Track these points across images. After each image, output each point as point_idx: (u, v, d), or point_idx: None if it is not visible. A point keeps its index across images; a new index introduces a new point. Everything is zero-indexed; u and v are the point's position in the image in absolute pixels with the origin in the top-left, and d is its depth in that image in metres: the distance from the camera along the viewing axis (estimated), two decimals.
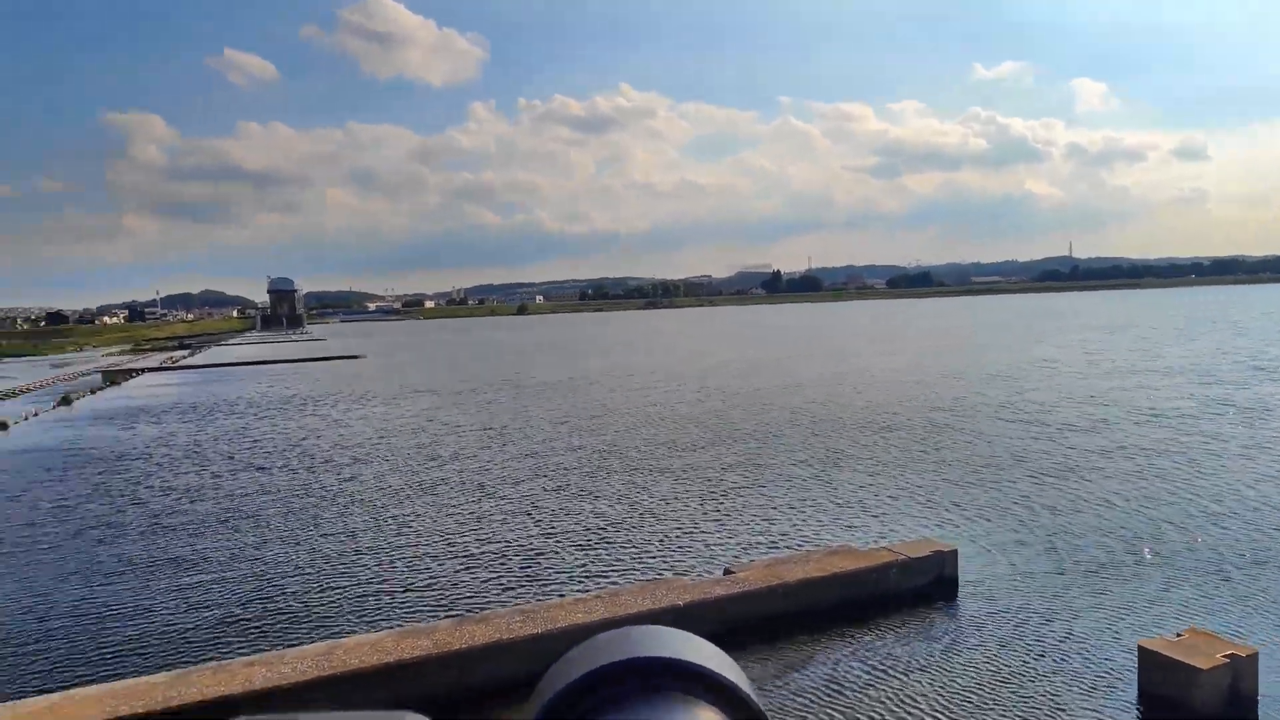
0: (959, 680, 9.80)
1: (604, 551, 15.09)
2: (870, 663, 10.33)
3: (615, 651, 0.63)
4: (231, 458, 26.40)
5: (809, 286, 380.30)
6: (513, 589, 13.37)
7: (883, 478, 19.81)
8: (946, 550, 12.77)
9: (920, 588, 12.31)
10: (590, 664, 0.62)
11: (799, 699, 9.54)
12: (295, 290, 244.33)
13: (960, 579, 12.60)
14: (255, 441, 29.58)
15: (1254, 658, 8.90)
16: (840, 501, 17.84)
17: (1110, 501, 16.97)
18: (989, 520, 16.03)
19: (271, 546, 16.17)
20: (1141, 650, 9.22)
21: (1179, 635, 9.44)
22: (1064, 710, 9.03)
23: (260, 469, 24.26)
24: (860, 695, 9.52)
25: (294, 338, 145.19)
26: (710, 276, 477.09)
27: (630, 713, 0.60)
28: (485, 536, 16.30)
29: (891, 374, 42.95)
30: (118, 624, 12.50)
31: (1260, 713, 8.72)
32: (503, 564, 14.61)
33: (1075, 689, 9.45)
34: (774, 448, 24.13)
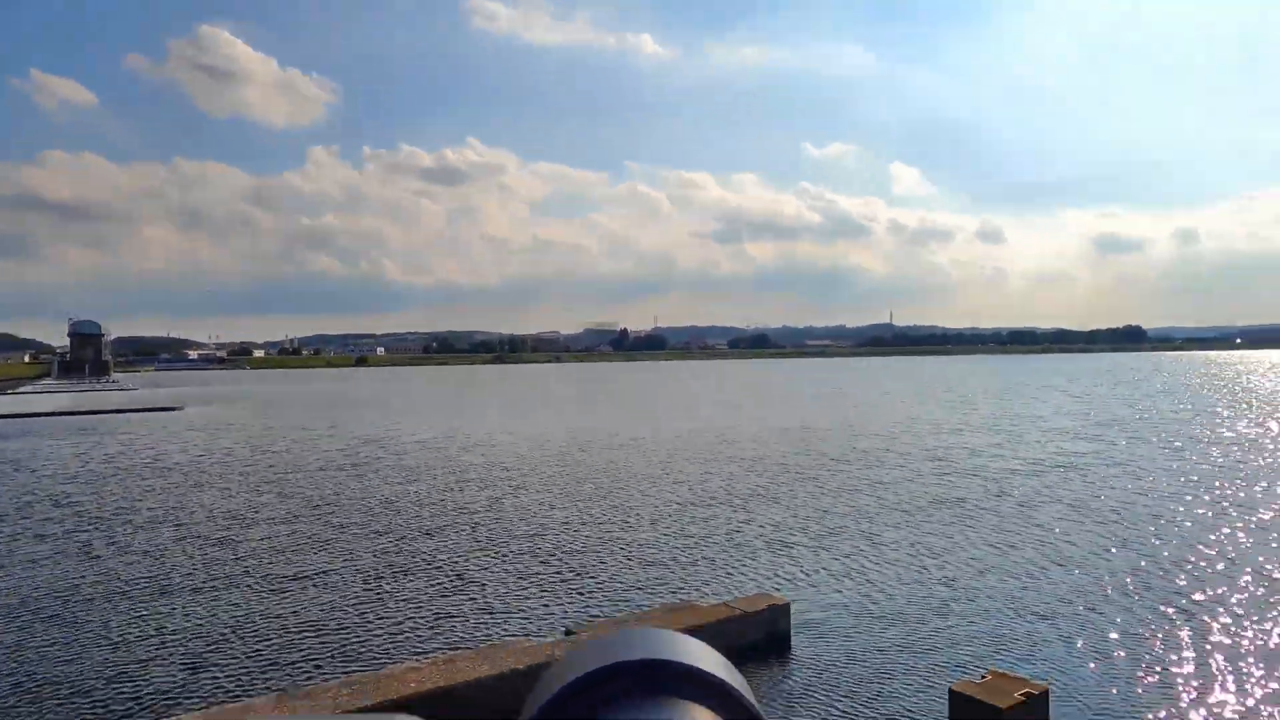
0: None
1: (437, 616, 14.56)
2: None
3: (610, 654, 0.62)
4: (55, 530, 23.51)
5: (654, 345, 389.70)
6: (344, 656, 12.63)
7: (731, 532, 20.37)
8: (780, 603, 13.26)
9: (755, 642, 12.68)
10: (585, 666, 0.61)
11: None
12: (102, 334, 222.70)
13: (792, 632, 13.10)
14: (77, 509, 26.54)
15: (1045, 694, 9.80)
16: (685, 558, 18.15)
17: (934, 550, 18.24)
18: (823, 573, 16.80)
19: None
20: (951, 693, 9.93)
21: (983, 677, 10.26)
22: None
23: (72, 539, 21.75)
24: None
25: (98, 387, 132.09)
26: (559, 333, 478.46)
27: (626, 714, 0.59)
28: (324, 603, 15.35)
29: (735, 430, 44.52)
30: None
31: None
32: (342, 631, 13.78)
33: None
34: (616, 502, 24.30)
